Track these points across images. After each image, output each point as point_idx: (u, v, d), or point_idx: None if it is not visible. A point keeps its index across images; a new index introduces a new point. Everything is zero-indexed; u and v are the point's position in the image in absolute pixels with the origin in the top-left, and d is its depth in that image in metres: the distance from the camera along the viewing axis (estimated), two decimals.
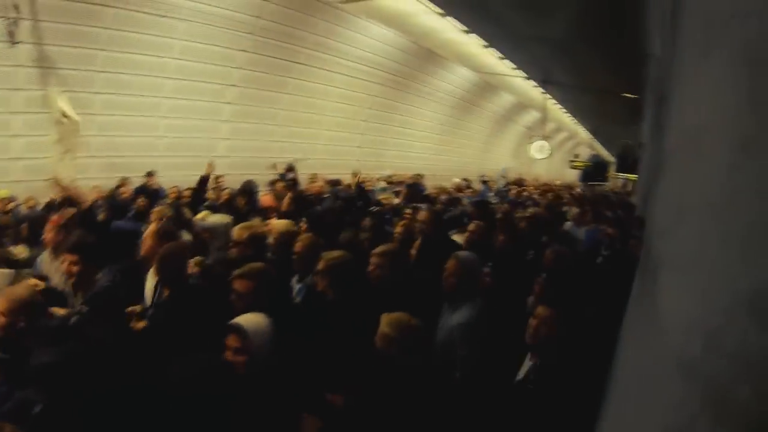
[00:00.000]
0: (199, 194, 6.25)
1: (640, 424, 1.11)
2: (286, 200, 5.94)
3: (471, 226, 4.59)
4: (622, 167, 22.28)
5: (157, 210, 4.74)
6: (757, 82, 0.69)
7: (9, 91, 7.22)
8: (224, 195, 7.16)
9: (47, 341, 2.22)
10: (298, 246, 3.45)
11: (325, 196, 8.07)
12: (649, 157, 6.74)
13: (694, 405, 0.83)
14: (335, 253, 3.04)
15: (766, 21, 0.69)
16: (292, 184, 7.87)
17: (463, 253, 3.24)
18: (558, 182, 18.09)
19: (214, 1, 8.77)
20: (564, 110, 22.53)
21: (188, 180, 7.83)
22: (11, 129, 7.50)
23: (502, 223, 4.93)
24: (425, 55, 13.76)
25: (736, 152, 0.78)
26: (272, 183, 8.22)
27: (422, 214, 4.65)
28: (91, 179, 7.10)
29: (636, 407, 1.18)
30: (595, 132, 27.59)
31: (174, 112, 9.18)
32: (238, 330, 2.10)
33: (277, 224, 4.36)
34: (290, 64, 10.70)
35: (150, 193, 7.68)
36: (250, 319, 2.20)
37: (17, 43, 7.00)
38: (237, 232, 3.74)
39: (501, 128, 22.35)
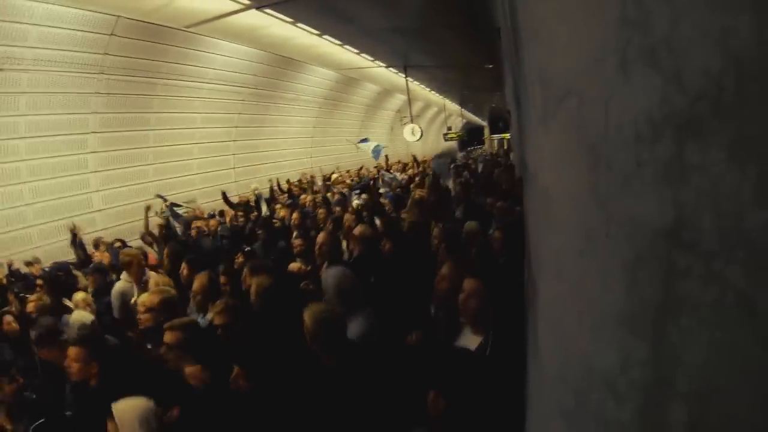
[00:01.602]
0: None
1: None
2: (164, 260, 6.44)
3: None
4: (495, 129, 27.23)
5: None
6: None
7: None
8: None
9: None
10: (196, 286, 4.37)
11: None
12: (515, 122, 8.09)
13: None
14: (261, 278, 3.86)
15: None
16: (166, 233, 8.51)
17: (333, 270, 3.71)
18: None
19: (58, 45, 9.41)
20: (430, 89, 25.89)
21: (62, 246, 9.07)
22: None
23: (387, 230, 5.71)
24: (283, 63, 15.41)
25: None
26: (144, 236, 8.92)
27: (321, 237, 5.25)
28: None
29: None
30: (463, 102, 31.46)
31: (33, 175, 9.68)
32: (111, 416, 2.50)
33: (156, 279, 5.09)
34: (148, 98, 11.81)
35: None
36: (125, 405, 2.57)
37: None
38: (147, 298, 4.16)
39: (371, 117, 25.39)
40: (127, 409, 2.53)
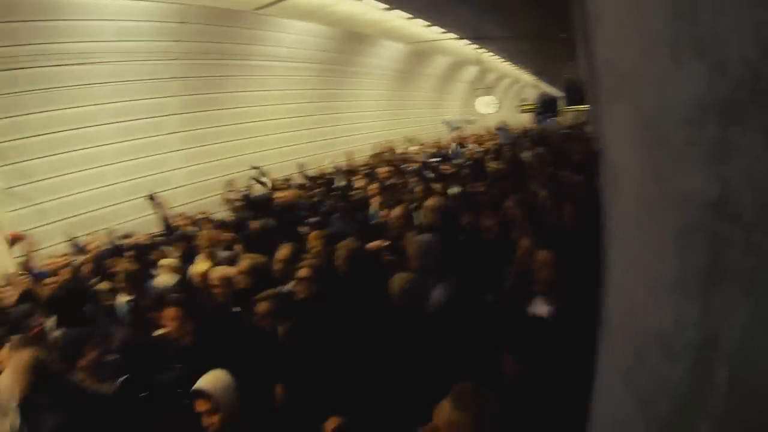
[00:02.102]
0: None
1: None
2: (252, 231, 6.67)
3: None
4: (571, 101, 26.35)
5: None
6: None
7: None
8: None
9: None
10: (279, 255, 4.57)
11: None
12: (591, 93, 9.31)
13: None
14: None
15: None
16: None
17: (422, 237, 3.81)
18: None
19: (132, 36, 9.94)
20: (502, 59, 25.24)
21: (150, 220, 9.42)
22: None
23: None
24: (353, 38, 15.56)
25: None
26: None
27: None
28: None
29: None
30: (537, 73, 30.70)
31: (119, 156, 10.21)
32: (203, 393, 2.50)
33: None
34: (223, 78, 12.10)
35: None
36: (212, 379, 2.58)
37: None
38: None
39: (444, 89, 24.93)
40: (216, 382, 2.58)
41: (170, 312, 3.46)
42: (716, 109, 0.78)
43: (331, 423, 2.35)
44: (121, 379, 3.21)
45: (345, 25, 14.61)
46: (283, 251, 4.52)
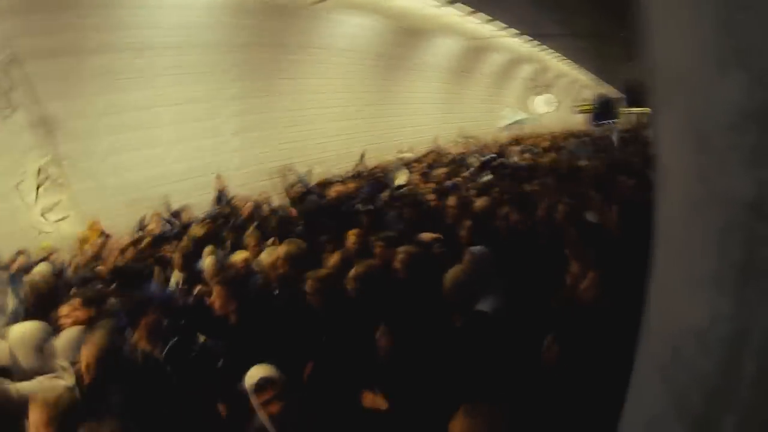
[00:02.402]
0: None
1: None
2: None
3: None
4: (631, 102, 25.53)
5: None
6: None
7: (19, 153, 8.88)
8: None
9: None
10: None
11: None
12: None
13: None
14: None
15: None
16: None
17: (475, 249, 3.85)
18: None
19: (188, 30, 10.49)
20: (561, 57, 25.10)
21: (207, 200, 9.93)
22: None
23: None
24: (409, 33, 15.72)
25: None
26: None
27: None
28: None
29: None
30: (597, 73, 29.95)
31: (177, 139, 10.72)
32: (271, 380, 2.56)
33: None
34: (280, 69, 12.53)
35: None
36: (262, 370, 2.61)
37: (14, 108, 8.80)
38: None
39: (501, 86, 24.85)
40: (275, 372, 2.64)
41: (217, 290, 3.59)
42: (755, 117, 0.84)
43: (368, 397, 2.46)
44: (171, 342, 3.42)
45: (402, 20, 14.75)
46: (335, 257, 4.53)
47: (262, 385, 2.54)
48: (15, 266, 6.76)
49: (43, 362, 3.02)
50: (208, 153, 11.29)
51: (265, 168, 11.89)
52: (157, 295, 4.48)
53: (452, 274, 3.19)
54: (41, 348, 3.07)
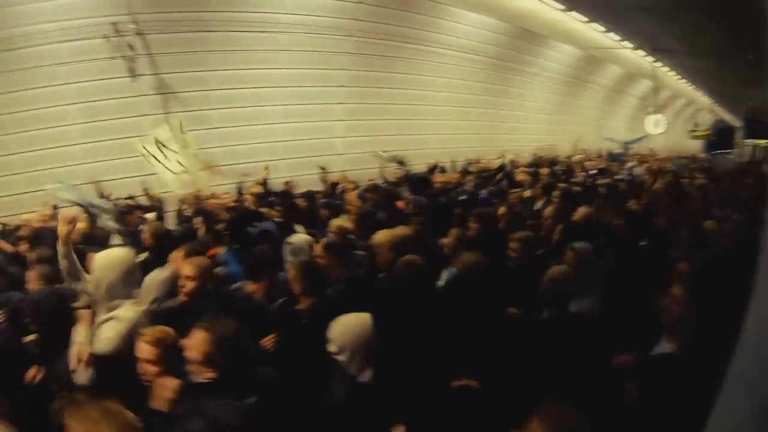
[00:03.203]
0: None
1: None
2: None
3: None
4: (752, 133, 22.82)
5: None
6: None
7: (137, 117, 9.97)
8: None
9: None
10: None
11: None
12: None
13: None
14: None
15: None
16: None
17: (579, 244, 3.85)
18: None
19: (310, 11, 10.82)
20: (678, 77, 23.56)
21: (308, 179, 10.13)
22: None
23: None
24: (526, 37, 15.39)
25: None
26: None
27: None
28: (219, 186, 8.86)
29: None
30: (716, 96, 28.10)
31: (288, 117, 11.11)
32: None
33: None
34: (394, 59, 12.51)
35: None
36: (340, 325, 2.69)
37: (137, 75, 9.76)
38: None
39: (613, 101, 23.90)
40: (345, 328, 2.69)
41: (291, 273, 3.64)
42: None
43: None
44: (281, 300, 3.67)
45: (520, 22, 14.34)
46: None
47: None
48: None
49: (128, 289, 3.09)
50: (316, 133, 11.56)
51: (368, 156, 12.13)
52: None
53: (553, 271, 3.28)
54: (131, 273, 3.16)
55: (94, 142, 10.11)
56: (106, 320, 2.95)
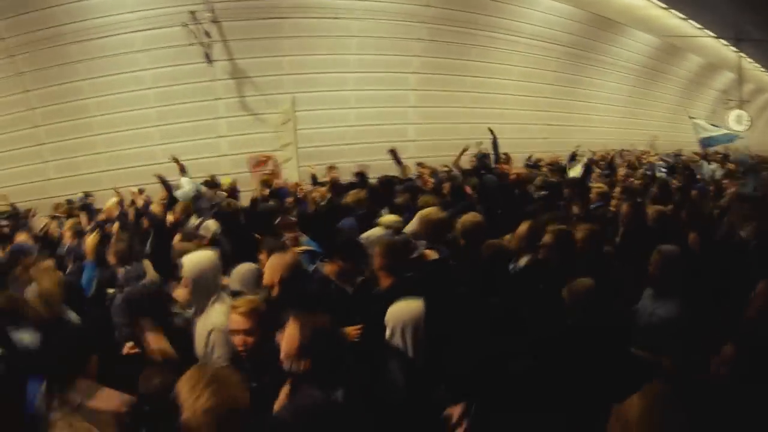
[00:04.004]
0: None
1: None
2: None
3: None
4: None
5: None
6: None
7: (212, 101, 10.58)
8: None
9: None
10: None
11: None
12: None
13: None
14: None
15: None
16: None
17: (666, 247, 3.64)
18: None
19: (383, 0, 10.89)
20: (763, 69, 22.61)
21: (381, 165, 9.80)
22: (218, 131, 10.77)
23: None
24: (602, 24, 14.74)
25: None
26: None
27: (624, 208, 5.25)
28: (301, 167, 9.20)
29: None
30: None
31: (361, 103, 11.11)
32: None
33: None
34: (467, 47, 12.26)
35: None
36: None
37: (213, 61, 10.24)
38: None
39: (691, 94, 22.37)
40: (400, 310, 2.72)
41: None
42: None
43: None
44: (360, 279, 3.65)
45: (596, 8, 13.83)
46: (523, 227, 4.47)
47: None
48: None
49: (215, 287, 3.23)
50: (388, 119, 11.51)
51: (439, 143, 11.81)
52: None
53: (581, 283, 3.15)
54: (217, 272, 3.31)
55: (171, 124, 10.65)
56: (208, 332, 3.01)
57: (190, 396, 1.76)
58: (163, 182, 6.99)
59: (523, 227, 4.28)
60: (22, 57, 10.66)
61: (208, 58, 10.17)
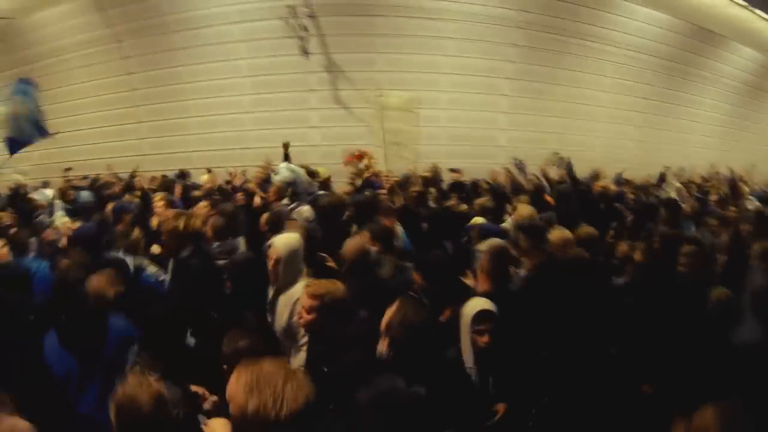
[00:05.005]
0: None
1: None
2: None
3: None
4: None
5: None
6: None
7: (305, 92, 11.06)
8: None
9: None
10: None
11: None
12: None
13: None
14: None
15: None
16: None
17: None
18: None
19: (479, 0, 10.95)
20: None
21: (471, 168, 9.92)
22: (309, 122, 11.11)
23: None
24: (702, 36, 13.98)
25: None
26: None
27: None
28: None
29: None
30: None
31: (452, 105, 11.06)
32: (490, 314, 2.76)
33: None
34: (560, 55, 11.92)
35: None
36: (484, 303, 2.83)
37: (309, 54, 10.57)
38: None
39: None
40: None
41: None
42: None
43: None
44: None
45: (696, 19, 13.16)
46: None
47: (482, 316, 2.75)
48: None
49: (298, 269, 3.50)
50: (479, 123, 11.46)
51: (528, 151, 11.70)
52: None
53: (717, 293, 3.28)
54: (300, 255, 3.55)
55: (263, 111, 11.20)
56: (293, 302, 3.27)
57: (241, 393, 1.66)
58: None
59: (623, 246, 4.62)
60: (129, 43, 11.85)
61: (305, 51, 10.48)
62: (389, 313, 2.62)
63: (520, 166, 9.12)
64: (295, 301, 3.17)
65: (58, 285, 3.41)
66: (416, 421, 2.01)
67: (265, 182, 7.42)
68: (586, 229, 4.56)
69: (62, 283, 3.35)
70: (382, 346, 2.60)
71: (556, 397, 2.84)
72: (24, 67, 12.23)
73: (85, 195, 8.08)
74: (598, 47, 12.60)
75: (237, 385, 1.67)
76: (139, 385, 1.93)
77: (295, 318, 3.10)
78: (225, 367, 2.40)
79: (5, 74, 12.32)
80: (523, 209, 5.47)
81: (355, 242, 3.90)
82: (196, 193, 7.57)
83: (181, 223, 3.74)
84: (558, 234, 4.17)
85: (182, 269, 3.74)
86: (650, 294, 3.68)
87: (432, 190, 7.60)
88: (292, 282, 3.34)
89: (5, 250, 4.42)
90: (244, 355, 2.33)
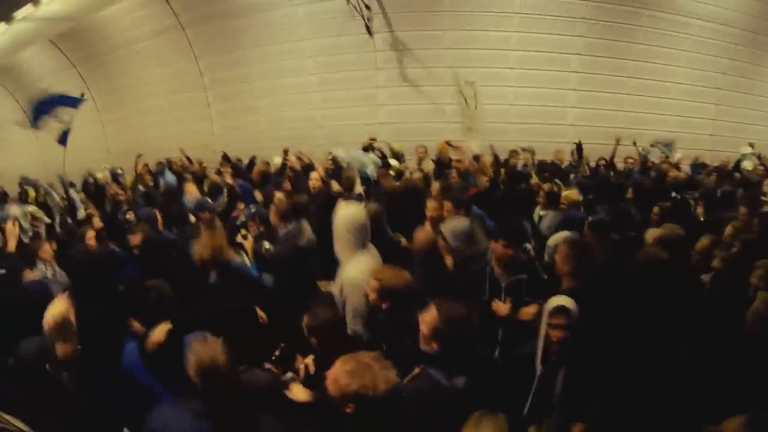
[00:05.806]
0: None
1: None
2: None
3: None
4: None
5: None
6: None
7: (372, 71, 11.16)
8: None
9: None
10: None
11: None
12: None
13: None
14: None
15: None
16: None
17: None
18: None
19: None
20: None
21: (541, 147, 9.91)
22: (376, 100, 11.35)
23: None
24: None
25: None
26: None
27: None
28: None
29: None
30: None
31: (521, 81, 10.84)
32: (566, 310, 2.83)
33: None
34: (632, 28, 11.33)
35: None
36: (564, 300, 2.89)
37: (373, 33, 10.74)
38: None
39: None
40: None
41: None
42: None
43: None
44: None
45: None
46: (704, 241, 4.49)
47: (558, 310, 2.84)
48: None
49: (361, 243, 3.63)
50: (548, 100, 11.24)
51: (598, 129, 11.20)
52: None
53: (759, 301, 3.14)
54: (364, 228, 3.71)
55: (330, 90, 11.51)
56: (342, 282, 3.47)
57: (344, 376, 2.14)
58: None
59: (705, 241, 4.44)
60: (193, 31, 12.30)
61: (369, 30, 10.63)
62: (432, 311, 2.72)
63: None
64: (344, 280, 3.38)
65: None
66: (454, 412, 2.22)
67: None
68: (671, 228, 4.51)
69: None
70: (429, 342, 2.73)
71: (619, 397, 2.86)
72: (96, 61, 13.55)
73: (170, 178, 8.67)
74: (672, 18, 11.93)
75: (341, 370, 2.14)
76: (209, 346, 2.29)
77: (345, 297, 3.33)
78: (314, 339, 2.77)
79: (79, 69, 12.97)
80: (572, 194, 5.78)
81: (425, 233, 4.00)
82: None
83: None
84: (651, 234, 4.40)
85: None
86: (723, 306, 3.60)
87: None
88: (349, 256, 3.46)
89: (93, 241, 5.04)
90: (329, 326, 2.77)
